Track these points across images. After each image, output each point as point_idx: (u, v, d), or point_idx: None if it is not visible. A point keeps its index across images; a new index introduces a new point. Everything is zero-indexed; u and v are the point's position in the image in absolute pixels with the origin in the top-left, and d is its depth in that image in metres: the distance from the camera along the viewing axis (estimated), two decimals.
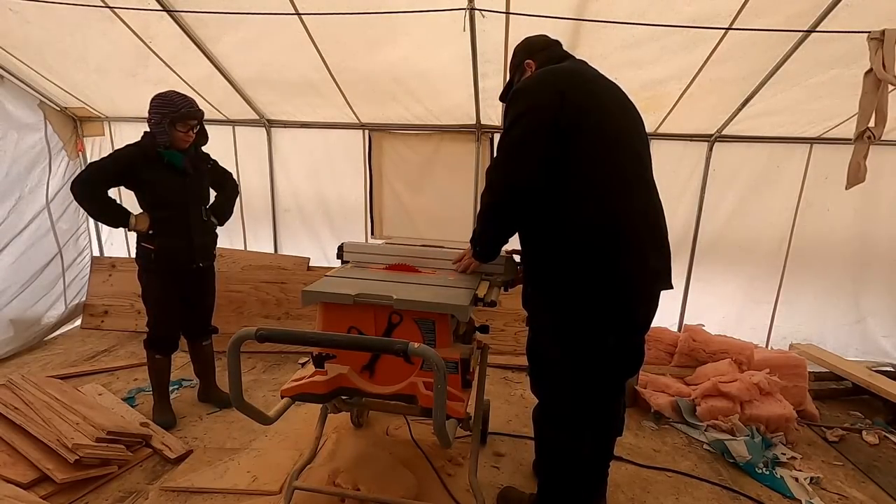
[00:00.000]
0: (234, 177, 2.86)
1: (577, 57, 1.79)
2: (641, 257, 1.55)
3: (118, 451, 2.20)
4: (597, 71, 1.70)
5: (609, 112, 1.59)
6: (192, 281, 2.60)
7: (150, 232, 2.44)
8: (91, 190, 2.35)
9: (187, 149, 2.46)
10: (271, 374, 3.36)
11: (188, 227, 2.50)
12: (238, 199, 2.99)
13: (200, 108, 2.46)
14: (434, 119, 3.68)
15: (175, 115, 2.33)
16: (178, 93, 2.40)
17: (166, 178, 2.41)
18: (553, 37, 1.89)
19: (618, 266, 1.52)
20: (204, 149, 2.62)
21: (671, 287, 1.68)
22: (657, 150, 3.63)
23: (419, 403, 1.62)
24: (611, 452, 1.94)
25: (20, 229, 3.60)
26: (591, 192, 1.52)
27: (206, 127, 2.58)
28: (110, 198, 2.43)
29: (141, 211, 2.47)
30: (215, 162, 2.72)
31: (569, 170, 1.52)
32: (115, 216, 2.43)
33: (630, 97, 1.73)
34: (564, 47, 1.79)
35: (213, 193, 2.75)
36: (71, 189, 2.35)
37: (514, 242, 1.81)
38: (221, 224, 2.76)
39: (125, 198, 2.68)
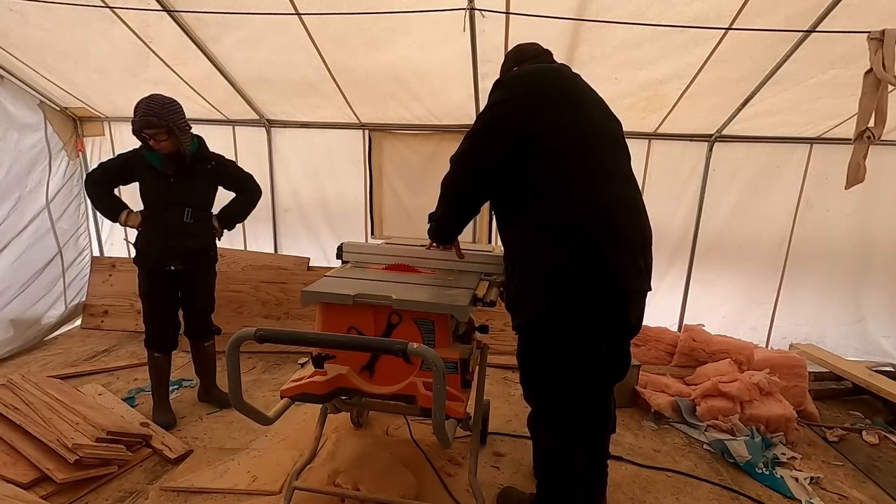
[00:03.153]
0: (255, 180, 2.77)
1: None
2: (629, 249, 1.54)
3: (118, 451, 2.20)
4: (577, 75, 1.71)
5: (586, 110, 1.60)
6: (178, 282, 2.60)
7: (139, 230, 2.54)
8: (93, 186, 2.53)
9: (172, 152, 2.42)
10: (271, 374, 3.36)
11: (164, 228, 2.50)
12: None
13: (156, 117, 2.28)
14: (434, 119, 3.68)
15: (133, 123, 2.32)
16: (150, 98, 2.32)
17: (150, 178, 2.47)
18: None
19: (605, 257, 1.49)
20: (211, 149, 2.63)
21: (650, 288, 1.65)
22: (657, 149, 3.67)
23: (419, 403, 1.61)
24: (606, 450, 1.94)
25: (20, 229, 3.60)
26: (573, 184, 1.50)
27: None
28: (111, 194, 2.55)
29: (142, 208, 2.54)
30: (223, 163, 2.67)
31: (547, 165, 1.51)
32: (108, 211, 2.56)
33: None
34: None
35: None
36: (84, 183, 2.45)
37: None
38: (228, 229, 2.76)
39: (129, 197, 2.68)
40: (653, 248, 1.66)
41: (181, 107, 2.41)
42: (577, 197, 1.50)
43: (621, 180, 1.60)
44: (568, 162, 1.52)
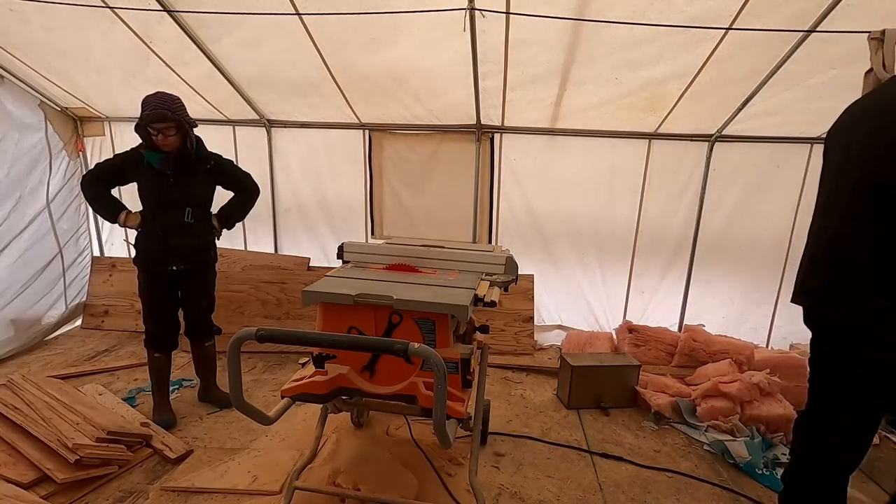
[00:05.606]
0: (253, 179, 2.77)
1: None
2: (816, 275, 1.63)
3: (118, 451, 2.20)
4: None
5: (845, 134, 1.67)
6: (178, 282, 2.60)
7: (139, 230, 2.53)
8: (90, 186, 2.51)
9: (175, 150, 2.42)
10: (271, 374, 3.36)
11: (164, 228, 2.49)
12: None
13: (169, 111, 2.31)
14: (434, 119, 3.68)
15: (143, 118, 2.32)
16: (159, 94, 2.34)
17: (148, 178, 2.46)
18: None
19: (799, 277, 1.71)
20: (211, 149, 2.62)
21: (822, 310, 1.63)
22: (657, 149, 3.67)
23: (419, 403, 1.62)
24: None
25: (21, 229, 3.61)
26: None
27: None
28: (109, 195, 2.54)
29: (141, 208, 2.53)
30: (222, 163, 2.66)
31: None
32: (106, 211, 2.55)
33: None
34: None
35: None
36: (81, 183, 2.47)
37: (513, 245, 1.80)
38: (228, 228, 2.76)
39: (129, 198, 2.68)
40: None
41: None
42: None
43: (826, 216, 1.65)
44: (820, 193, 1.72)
